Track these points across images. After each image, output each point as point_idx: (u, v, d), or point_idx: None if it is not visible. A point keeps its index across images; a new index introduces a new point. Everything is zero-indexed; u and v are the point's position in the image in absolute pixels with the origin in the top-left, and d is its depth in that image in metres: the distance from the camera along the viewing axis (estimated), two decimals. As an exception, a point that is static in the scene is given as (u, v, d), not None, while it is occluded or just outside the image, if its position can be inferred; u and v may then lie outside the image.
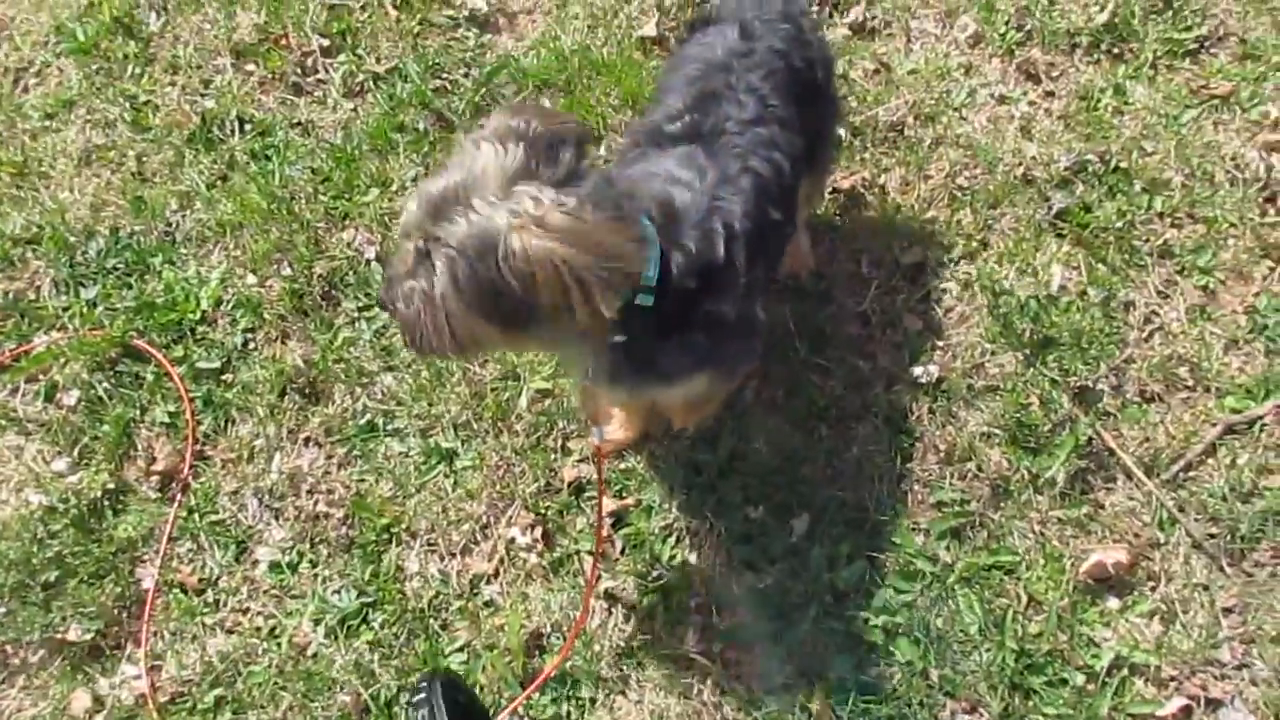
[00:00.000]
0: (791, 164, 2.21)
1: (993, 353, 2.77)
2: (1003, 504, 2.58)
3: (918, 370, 2.75)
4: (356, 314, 2.91)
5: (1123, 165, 2.99)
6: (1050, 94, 3.19)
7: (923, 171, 3.07)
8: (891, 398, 2.72)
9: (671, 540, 2.58)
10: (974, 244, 2.93)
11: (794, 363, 2.78)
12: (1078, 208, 2.94)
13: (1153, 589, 2.45)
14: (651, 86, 3.15)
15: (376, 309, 2.90)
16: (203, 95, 3.28)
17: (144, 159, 3.17)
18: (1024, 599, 2.45)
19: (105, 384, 2.80)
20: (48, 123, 3.25)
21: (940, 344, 2.80)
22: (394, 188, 3.08)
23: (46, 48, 3.41)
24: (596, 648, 2.44)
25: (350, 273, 2.95)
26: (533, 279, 1.58)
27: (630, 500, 2.63)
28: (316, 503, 2.66)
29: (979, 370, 2.76)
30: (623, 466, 2.68)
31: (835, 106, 2.63)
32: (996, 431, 2.66)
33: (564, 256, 1.57)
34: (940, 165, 3.07)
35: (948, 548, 2.53)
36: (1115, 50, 3.22)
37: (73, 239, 3.02)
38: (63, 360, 2.83)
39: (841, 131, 3.06)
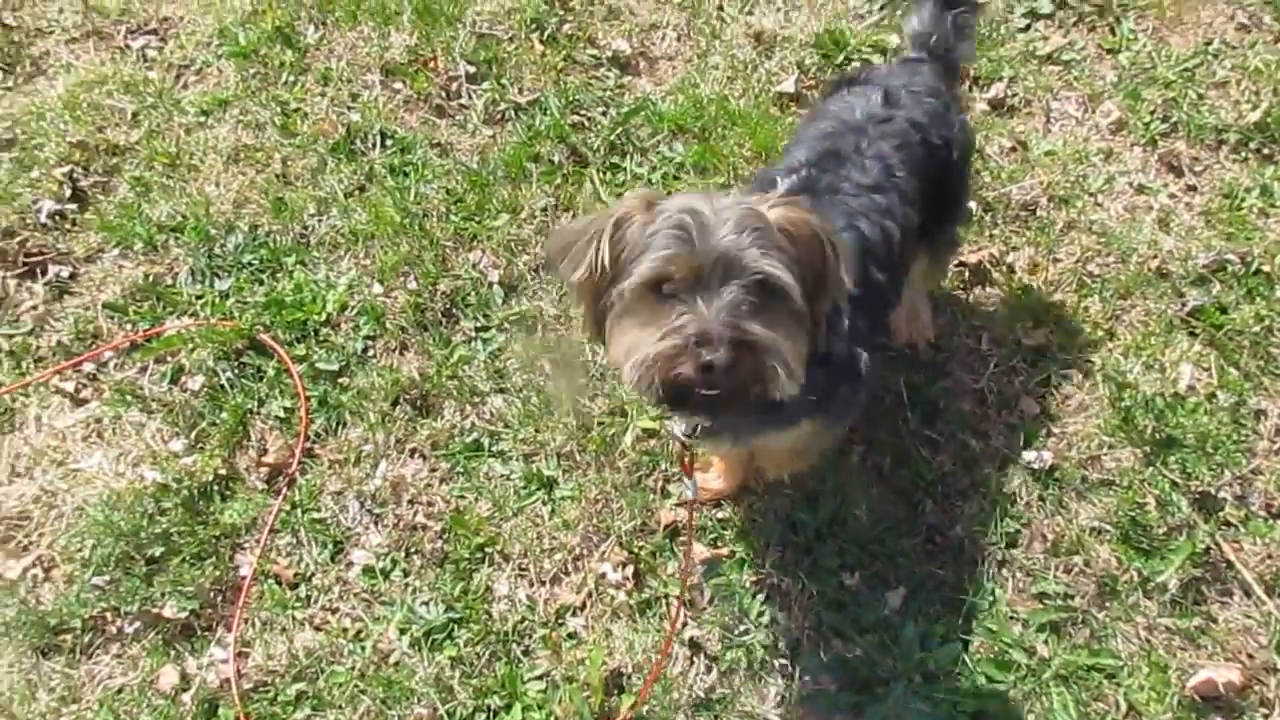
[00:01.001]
0: (903, 235, 2.20)
1: (1111, 446, 2.70)
2: (1108, 604, 2.49)
3: (1031, 455, 2.69)
4: (474, 334, 2.95)
5: (1264, 269, 2.90)
6: (1192, 188, 3.13)
7: (1052, 254, 3.02)
8: (1001, 479, 2.66)
9: (761, 596, 2.55)
10: (1100, 333, 2.87)
11: (903, 433, 2.74)
12: (1213, 307, 2.86)
13: (1265, 716, 2.33)
14: (785, 141, 3.18)
15: (493, 331, 2.94)
16: (350, 108, 3.39)
17: (288, 163, 3.28)
18: (1123, 707, 2.36)
19: (228, 373, 2.88)
20: (202, 119, 3.39)
21: (1056, 431, 2.74)
22: (523, 215, 3.13)
23: (209, 48, 3.57)
24: (675, 695, 2.41)
25: (472, 293, 3.00)
26: (791, 240, 1.72)
27: (724, 551, 2.61)
28: (416, 513, 2.69)
29: (1095, 462, 2.69)
30: (720, 516, 2.66)
31: (966, 189, 2.62)
32: (1108, 528, 2.58)
33: (819, 223, 1.76)
34: (1071, 250, 3.02)
35: (1046, 641, 2.45)
36: (1265, 150, 3.14)
37: (213, 231, 3.13)
38: (191, 346, 2.92)
39: (971, 205, 3.04)
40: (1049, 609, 2.49)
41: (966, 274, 2.98)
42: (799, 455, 2.47)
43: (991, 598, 2.51)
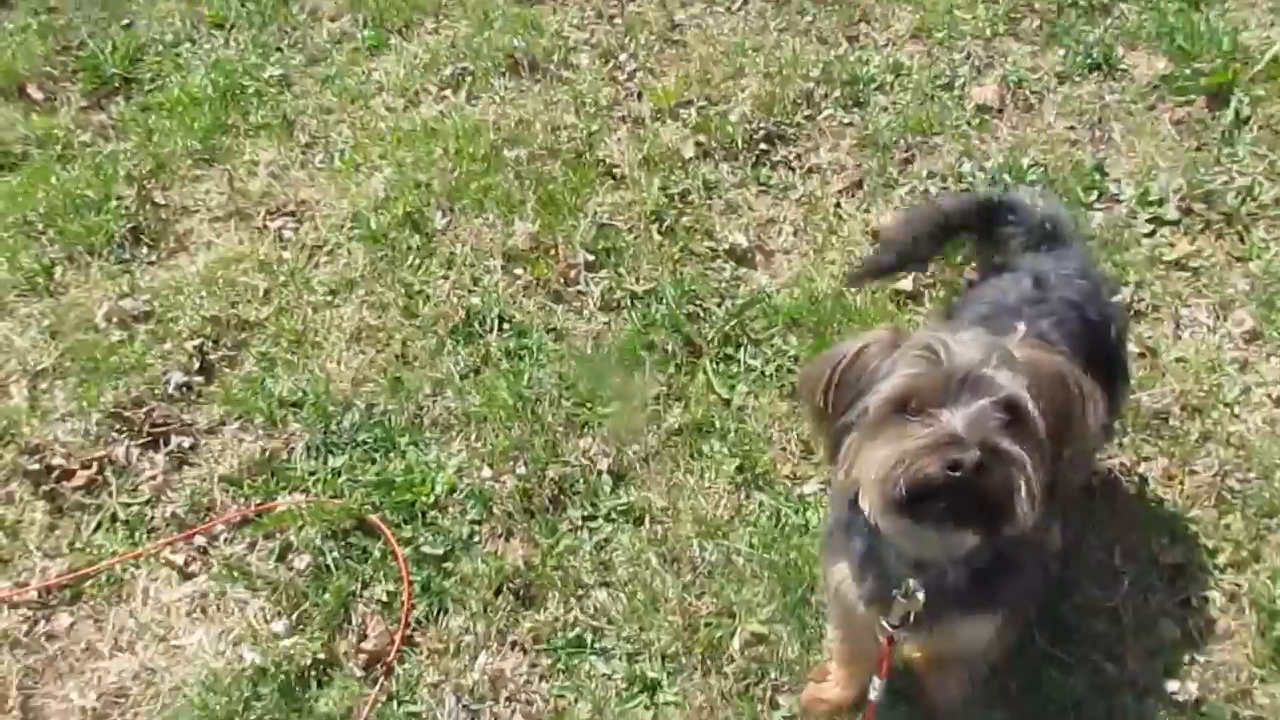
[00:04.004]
0: None
1: (1262, 679, 2.49)
2: None
3: (1174, 685, 2.49)
4: (581, 523, 2.90)
5: None
6: (1337, 404, 2.98)
7: (1188, 466, 2.88)
8: (1142, 711, 2.47)
9: (877, 827, 2.36)
10: (1244, 554, 2.70)
11: (1031, 653, 2.57)
12: (1369, 533, 2.67)
13: None
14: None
15: (600, 521, 2.89)
16: (470, 291, 3.48)
17: (408, 343, 3.35)
18: None
19: (334, 553, 2.86)
20: (330, 298, 3.50)
21: (1200, 659, 2.55)
22: (635, 403, 3.12)
23: (341, 230, 3.72)
24: None
25: (581, 481, 2.97)
26: (1037, 377, 1.69)
27: (837, 770, 2.44)
28: (514, 712, 2.58)
29: (1245, 697, 2.48)
30: (833, 732, 2.50)
31: (1126, 375, 2.56)
32: (1264, 773, 2.35)
33: (1066, 363, 1.76)
34: (1208, 462, 2.88)
35: None
36: None
37: (331, 409, 3.18)
38: (300, 523, 2.92)
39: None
40: None
41: (1096, 482, 2.85)
42: (970, 663, 2.37)
43: (1137, 846, 2.28)
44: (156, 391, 3.26)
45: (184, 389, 3.27)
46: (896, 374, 1.72)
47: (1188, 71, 3.85)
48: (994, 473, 1.61)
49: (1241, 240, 3.36)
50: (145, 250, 3.72)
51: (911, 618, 1.96)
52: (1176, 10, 4.11)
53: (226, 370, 3.34)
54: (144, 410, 3.19)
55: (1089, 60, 3.98)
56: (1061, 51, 4.05)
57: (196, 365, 3.33)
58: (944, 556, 1.90)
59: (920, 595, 1.93)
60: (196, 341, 3.36)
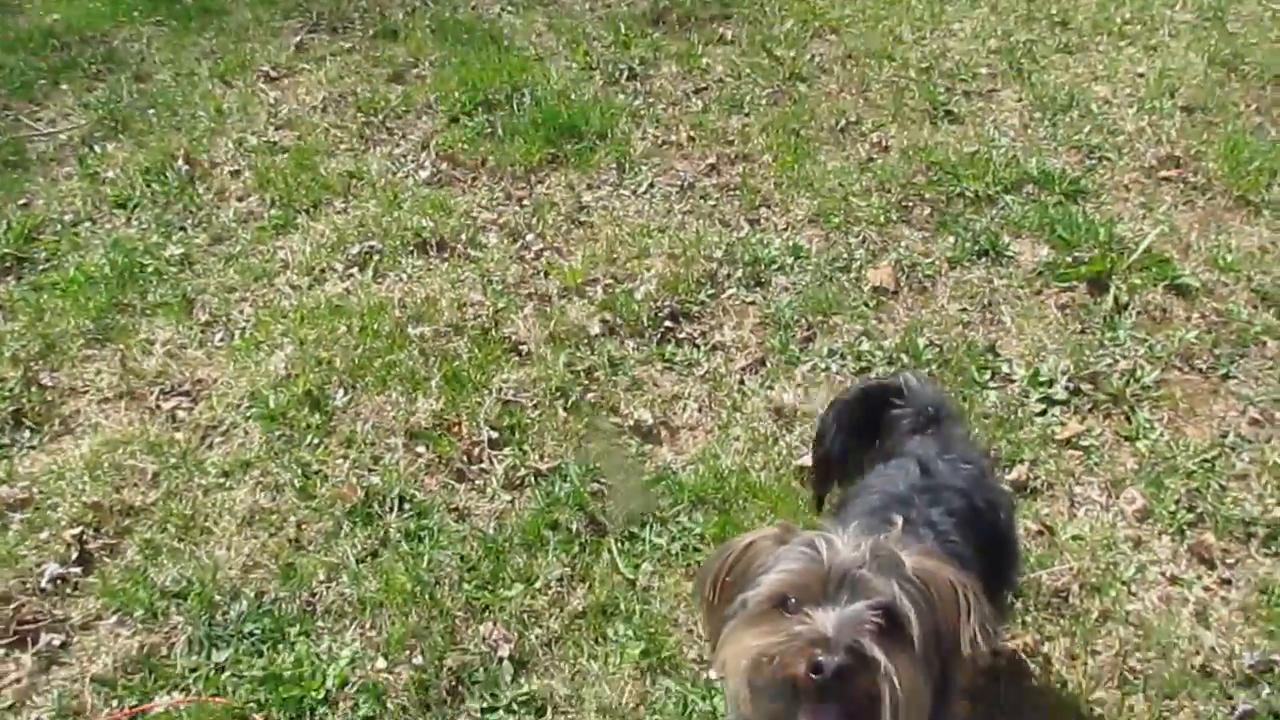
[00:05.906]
0: None
1: None
2: None
3: None
4: (480, 715, 2.77)
5: (1319, 674, 2.76)
6: (1226, 581, 3.04)
7: (1090, 646, 2.88)
8: None
9: None
10: (1149, 736, 2.69)
11: None
12: (1266, 713, 2.68)
13: None
14: (808, 516, 3.15)
15: (500, 712, 2.76)
16: (370, 471, 3.40)
17: (303, 526, 3.24)
18: None
19: (213, 761, 2.67)
20: (222, 480, 3.38)
21: None
22: (538, 585, 3.04)
23: (238, 410, 3.62)
24: None
25: (481, 669, 2.85)
26: (925, 587, 1.71)
27: None
28: None
29: None
30: None
31: (1017, 556, 2.59)
32: None
33: (955, 573, 1.76)
34: (1109, 642, 2.89)
35: None
36: (1297, 545, 3.09)
37: (218, 598, 3.02)
38: (178, 726, 2.73)
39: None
40: None
41: (1002, 664, 2.83)
42: None
43: None
44: (28, 585, 3.07)
45: (58, 582, 3.08)
46: (777, 569, 1.74)
47: (1069, 259, 4.08)
48: (858, 679, 1.60)
49: (1128, 420, 3.48)
50: (27, 434, 3.56)
51: None
52: (1056, 203, 4.39)
53: (107, 560, 3.16)
54: (12, 607, 2.99)
55: (977, 247, 4.19)
56: (951, 238, 4.26)
57: (74, 555, 3.14)
58: None
59: None
60: (76, 530, 3.20)
